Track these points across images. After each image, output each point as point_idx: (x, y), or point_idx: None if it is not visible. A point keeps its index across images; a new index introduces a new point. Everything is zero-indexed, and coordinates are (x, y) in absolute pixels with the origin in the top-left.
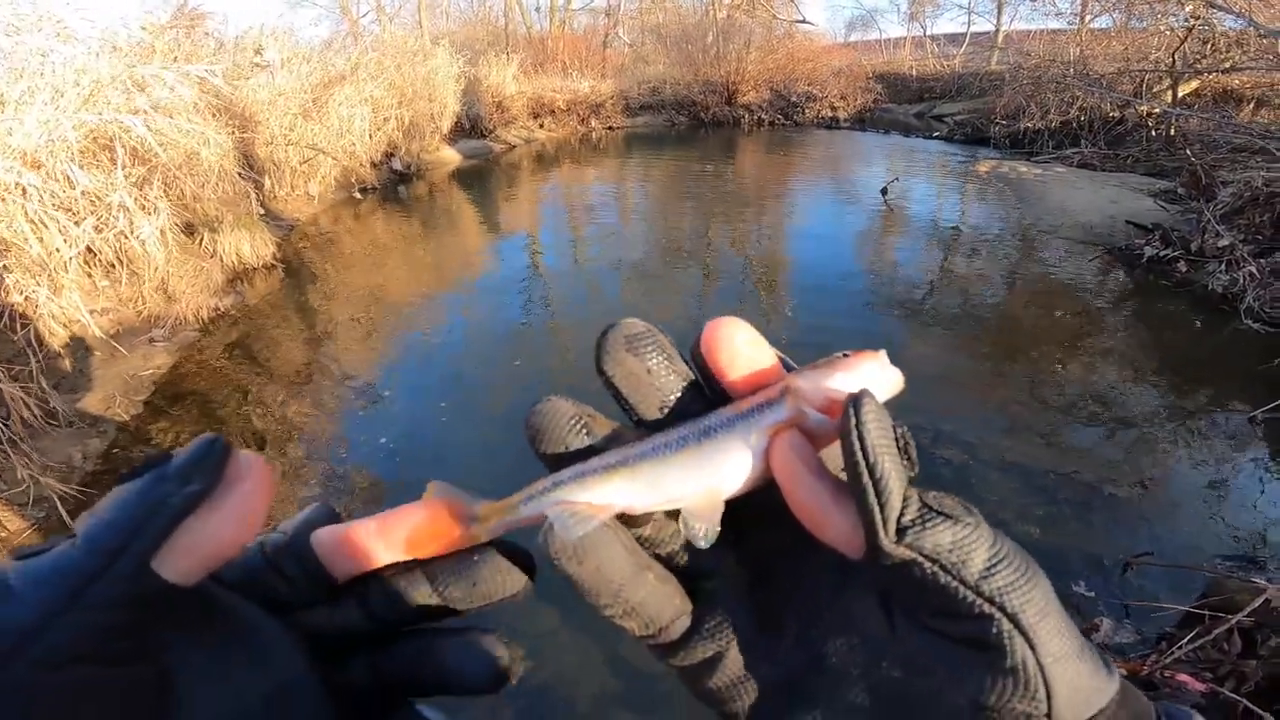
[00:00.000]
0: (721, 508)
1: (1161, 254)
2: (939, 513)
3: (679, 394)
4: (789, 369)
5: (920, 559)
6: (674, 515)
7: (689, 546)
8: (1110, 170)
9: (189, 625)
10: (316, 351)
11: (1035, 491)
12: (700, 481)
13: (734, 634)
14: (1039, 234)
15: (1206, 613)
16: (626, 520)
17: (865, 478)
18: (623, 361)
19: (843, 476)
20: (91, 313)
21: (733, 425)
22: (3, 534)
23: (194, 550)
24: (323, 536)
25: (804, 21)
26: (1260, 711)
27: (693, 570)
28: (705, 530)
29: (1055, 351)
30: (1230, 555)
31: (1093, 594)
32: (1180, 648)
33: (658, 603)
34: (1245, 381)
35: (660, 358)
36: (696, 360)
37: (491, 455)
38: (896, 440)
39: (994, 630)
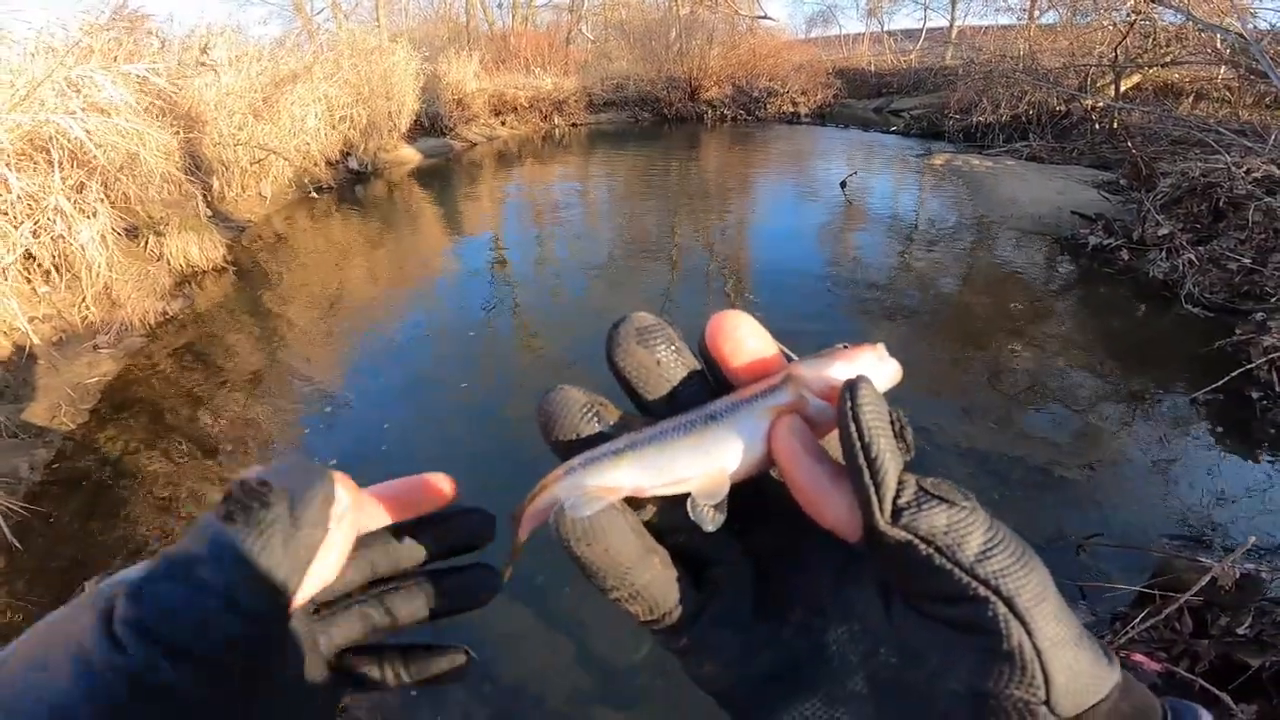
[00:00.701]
0: (726, 489)
1: (1105, 243)
2: (935, 496)
3: (686, 384)
4: (790, 360)
5: (916, 540)
6: (681, 501)
7: (696, 535)
8: (1057, 162)
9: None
10: (271, 356)
11: (989, 475)
12: (706, 463)
13: (736, 621)
14: (991, 225)
15: (1157, 592)
16: (635, 505)
17: (860, 458)
18: (633, 353)
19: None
20: (32, 320)
21: (737, 409)
22: None
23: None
24: None
25: (765, 17)
26: (1216, 691)
27: (699, 558)
28: (711, 513)
29: (1007, 339)
30: (1177, 534)
31: None
32: (1134, 627)
33: (662, 587)
34: (1186, 364)
35: (669, 349)
36: (703, 351)
37: (455, 458)
38: (892, 424)
39: (989, 614)
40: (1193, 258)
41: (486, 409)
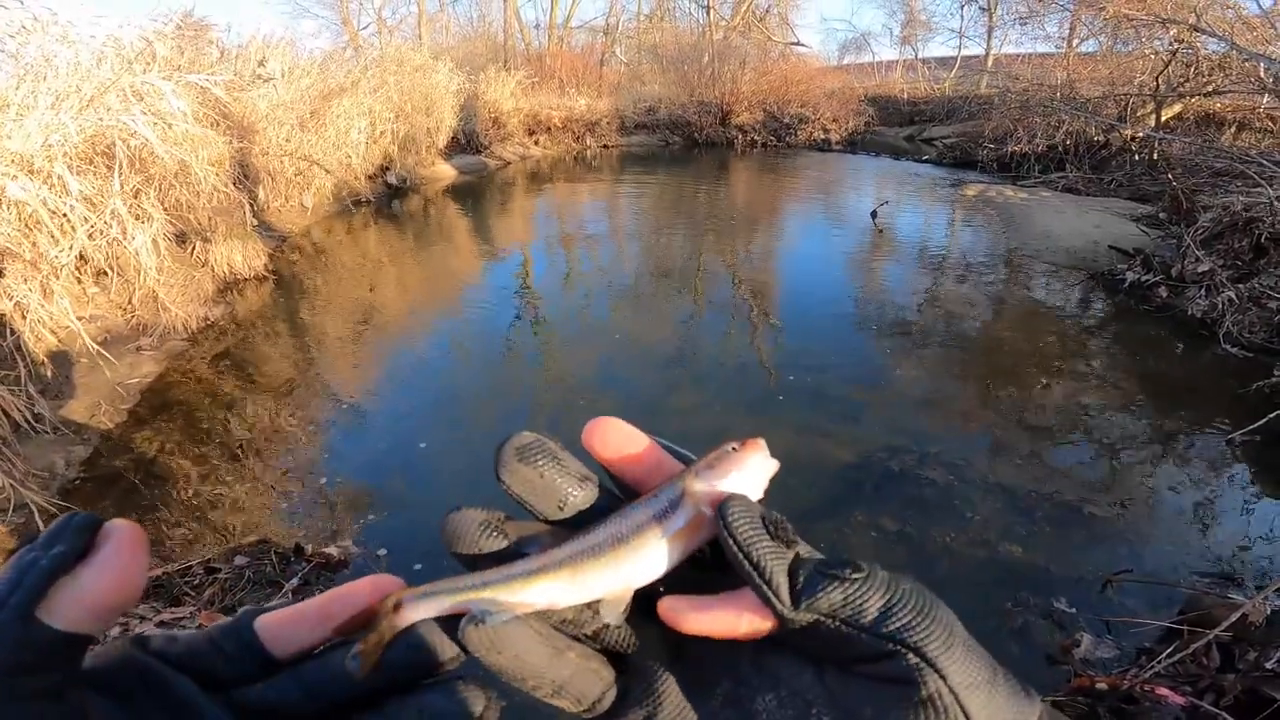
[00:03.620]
0: (631, 596)
1: (1143, 279)
2: (829, 576)
3: (574, 492)
4: (678, 455)
5: (821, 618)
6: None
7: (612, 627)
8: (1094, 195)
9: (114, 685)
10: (304, 365)
11: (1018, 511)
12: (616, 581)
13: (663, 699)
14: (1024, 259)
15: (1185, 628)
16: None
17: (748, 567)
18: (516, 470)
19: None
20: (80, 319)
21: (643, 530)
22: None
23: (77, 601)
24: (267, 619)
25: (798, 44)
26: None
27: (618, 645)
28: (617, 614)
29: (1039, 375)
30: (1208, 572)
31: (1074, 610)
32: (1160, 662)
33: (584, 679)
34: (1223, 405)
35: (550, 463)
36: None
37: (475, 474)
38: (768, 528)
39: (904, 665)
40: (1232, 296)
41: (511, 428)
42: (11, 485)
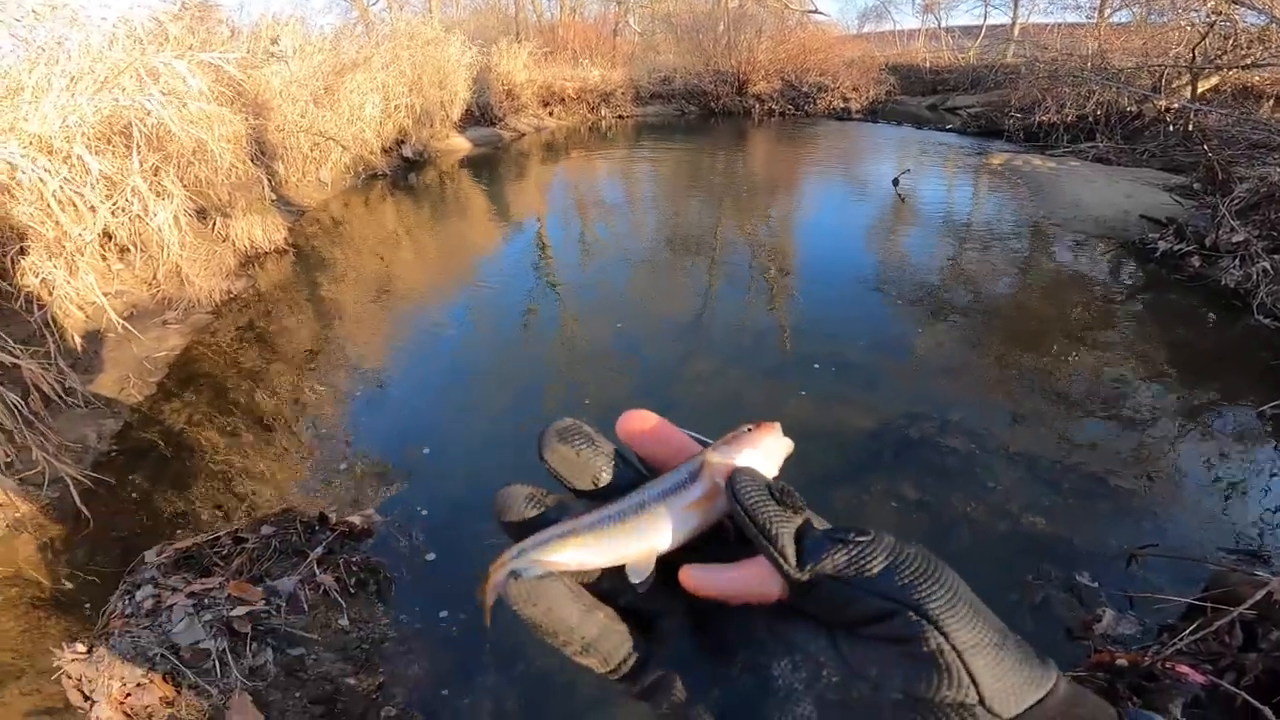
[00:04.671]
0: (655, 561)
1: (1175, 249)
2: (834, 540)
3: (605, 471)
4: (701, 442)
5: (826, 578)
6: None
7: (639, 593)
8: (1126, 165)
9: None
10: (325, 336)
11: (1041, 482)
12: (640, 545)
13: (685, 664)
14: (1052, 228)
15: (1208, 605)
16: (580, 574)
17: (754, 530)
18: (556, 450)
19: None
20: (106, 295)
21: (664, 499)
22: (17, 514)
23: None
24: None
25: (816, 12)
26: (1259, 705)
27: (646, 613)
28: (643, 578)
29: (1065, 345)
30: (1234, 549)
31: (1096, 584)
32: (1181, 639)
33: (612, 640)
34: (1255, 377)
35: (585, 443)
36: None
37: (493, 443)
38: (773, 495)
39: (906, 621)
40: (1267, 266)
41: (528, 398)
42: (45, 459)
